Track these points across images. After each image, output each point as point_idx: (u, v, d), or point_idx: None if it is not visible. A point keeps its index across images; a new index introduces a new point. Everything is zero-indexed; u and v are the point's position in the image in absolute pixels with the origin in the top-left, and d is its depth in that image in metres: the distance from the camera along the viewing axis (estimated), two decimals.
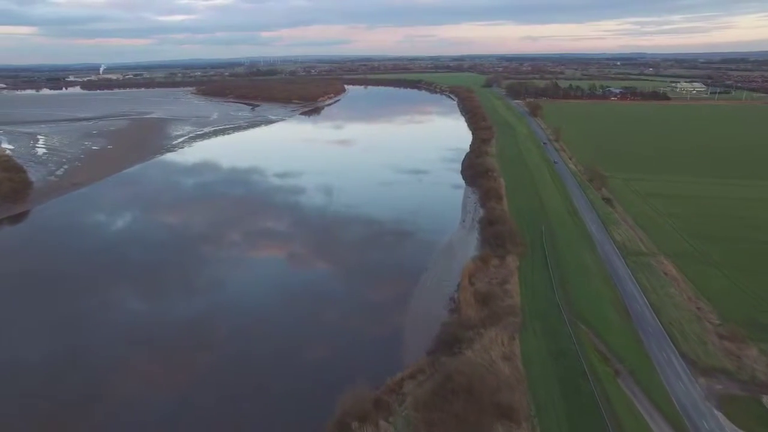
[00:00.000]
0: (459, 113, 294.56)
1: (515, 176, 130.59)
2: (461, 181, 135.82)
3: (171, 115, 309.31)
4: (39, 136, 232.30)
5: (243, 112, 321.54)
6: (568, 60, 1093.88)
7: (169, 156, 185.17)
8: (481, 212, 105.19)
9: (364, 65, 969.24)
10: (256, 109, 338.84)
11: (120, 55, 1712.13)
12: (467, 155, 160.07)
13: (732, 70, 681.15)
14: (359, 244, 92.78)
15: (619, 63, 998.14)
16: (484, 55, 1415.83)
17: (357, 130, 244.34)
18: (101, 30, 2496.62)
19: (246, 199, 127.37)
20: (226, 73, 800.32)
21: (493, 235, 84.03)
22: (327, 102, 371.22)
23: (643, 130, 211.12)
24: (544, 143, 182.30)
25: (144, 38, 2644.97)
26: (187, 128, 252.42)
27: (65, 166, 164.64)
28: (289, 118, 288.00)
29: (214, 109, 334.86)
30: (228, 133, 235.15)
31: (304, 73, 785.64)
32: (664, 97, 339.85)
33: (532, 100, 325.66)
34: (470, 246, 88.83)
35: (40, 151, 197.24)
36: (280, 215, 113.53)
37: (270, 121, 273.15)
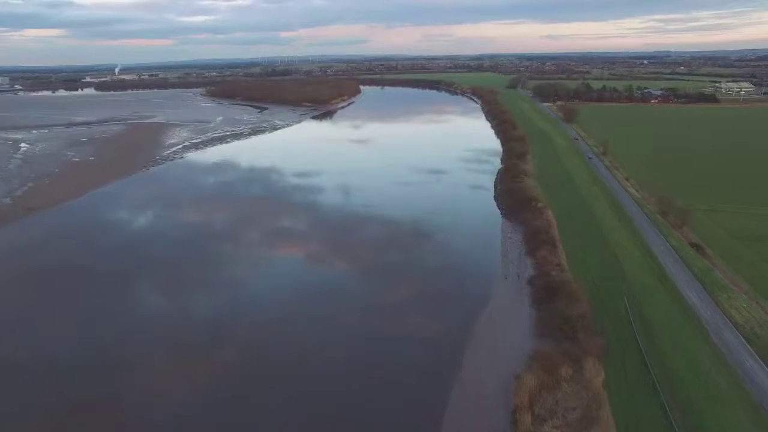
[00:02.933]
0: (484, 118, 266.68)
1: (565, 207, 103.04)
2: (496, 210, 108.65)
3: (172, 119, 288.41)
4: (22, 144, 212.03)
5: (249, 116, 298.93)
6: (591, 59, 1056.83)
7: (154, 171, 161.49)
8: (528, 264, 78.20)
9: (382, 65, 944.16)
10: (263, 112, 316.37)
11: (142, 56, 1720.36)
12: (501, 174, 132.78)
13: None
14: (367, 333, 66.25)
15: (646, 62, 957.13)
16: (503, 54, 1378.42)
17: (371, 139, 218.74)
18: (125, 31, 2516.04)
19: (234, 242, 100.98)
20: (241, 74, 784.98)
21: (557, 318, 57.07)
22: (340, 105, 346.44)
23: (704, 140, 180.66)
24: (590, 157, 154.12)
25: (166, 39, 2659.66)
26: (184, 135, 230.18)
27: (30, 184, 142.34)
28: (297, 124, 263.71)
29: (219, 113, 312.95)
30: (227, 142, 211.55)
31: (320, 73, 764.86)
32: (713, 99, 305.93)
33: (563, 103, 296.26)
34: (521, 328, 61.92)
35: (15, 163, 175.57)
36: (268, 266, 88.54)
37: (275, 127, 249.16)
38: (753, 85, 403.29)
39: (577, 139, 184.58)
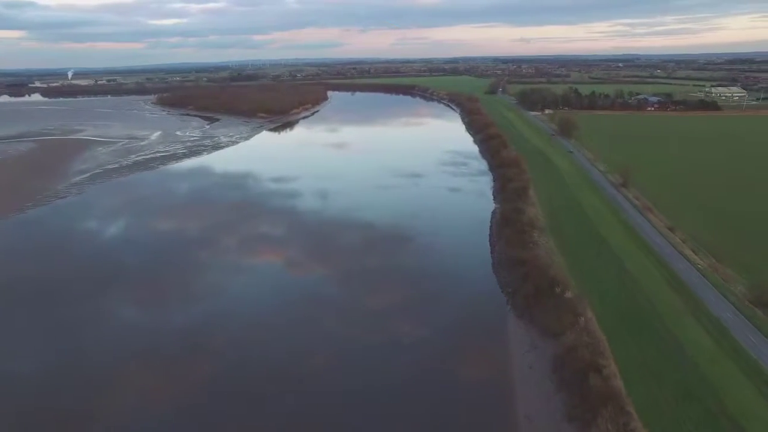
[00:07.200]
0: (465, 130, 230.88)
1: (609, 298, 66.02)
2: (499, 297, 71.52)
3: (101, 134, 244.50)
4: None
5: (193, 130, 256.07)
6: (565, 62, 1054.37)
7: (23, 218, 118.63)
8: None
9: (354, 68, 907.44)
10: (212, 124, 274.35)
11: (110, 59, 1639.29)
12: (498, 225, 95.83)
13: (753, 71, 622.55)
14: None
15: (621, 64, 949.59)
16: (477, 57, 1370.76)
17: (330, 164, 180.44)
18: (92, 34, 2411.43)
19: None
20: (204, 78, 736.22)
21: None
22: (302, 115, 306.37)
23: (736, 160, 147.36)
24: (609, 191, 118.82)
25: (136, 42, 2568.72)
26: (103, 157, 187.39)
27: None
28: (245, 141, 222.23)
29: (161, 126, 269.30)
30: (151, 167, 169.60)
31: (288, 78, 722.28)
32: (714, 106, 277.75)
33: (552, 111, 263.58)
34: None
35: None
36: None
37: (218, 146, 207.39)
38: (743, 89, 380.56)
39: (583, 162, 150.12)
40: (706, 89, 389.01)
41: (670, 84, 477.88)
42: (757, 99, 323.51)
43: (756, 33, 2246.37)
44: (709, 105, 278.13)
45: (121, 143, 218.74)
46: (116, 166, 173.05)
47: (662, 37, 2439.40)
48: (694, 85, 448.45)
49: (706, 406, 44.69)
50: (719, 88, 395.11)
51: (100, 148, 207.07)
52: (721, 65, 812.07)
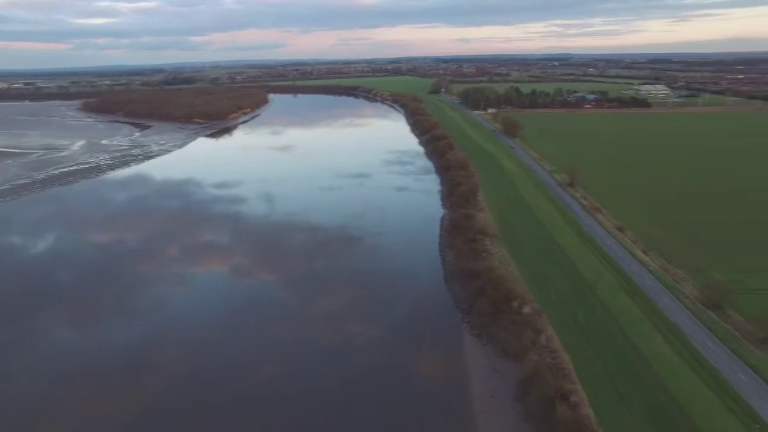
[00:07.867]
0: (410, 131, 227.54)
1: (567, 308, 63.04)
2: (453, 313, 66.84)
3: (13, 144, 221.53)
4: None
5: (122, 138, 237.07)
6: (504, 61, 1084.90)
7: None
8: None
9: (296, 70, 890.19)
10: (144, 132, 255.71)
11: (32, 61, 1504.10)
12: (448, 233, 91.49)
13: (675, 71, 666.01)
14: None
15: (557, 63, 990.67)
16: (419, 57, 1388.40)
17: (273, 168, 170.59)
18: (4, 32, 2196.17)
19: None
20: (138, 82, 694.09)
21: None
22: (240, 119, 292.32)
23: (673, 157, 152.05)
24: (556, 192, 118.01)
25: (60, 42, 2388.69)
26: (12, 171, 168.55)
27: None
28: (179, 149, 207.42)
29: (85, 134, 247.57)
30: (68, 182, 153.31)
31: (228, 81, 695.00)
32: (645, 103, 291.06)
33: (495, 110, 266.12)
34: None
35: None
36: None
37: (149, 155, 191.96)
38: (667, 87, 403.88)
39: (529, 161, 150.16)
40: (635, 87, 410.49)
41: (603, 82, 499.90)
42: (680, 97, 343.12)
43: (671, 36, 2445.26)
44: (640, 102, 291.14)
45: (36, 154, 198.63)
46: (27, 180, 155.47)
47: (591, 38, 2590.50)
48: (625, 83, 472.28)
49: (678, 430, 41.65)
50: (646, 86, 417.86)
51: (10, 161, 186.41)
52: (644, 64, 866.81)
